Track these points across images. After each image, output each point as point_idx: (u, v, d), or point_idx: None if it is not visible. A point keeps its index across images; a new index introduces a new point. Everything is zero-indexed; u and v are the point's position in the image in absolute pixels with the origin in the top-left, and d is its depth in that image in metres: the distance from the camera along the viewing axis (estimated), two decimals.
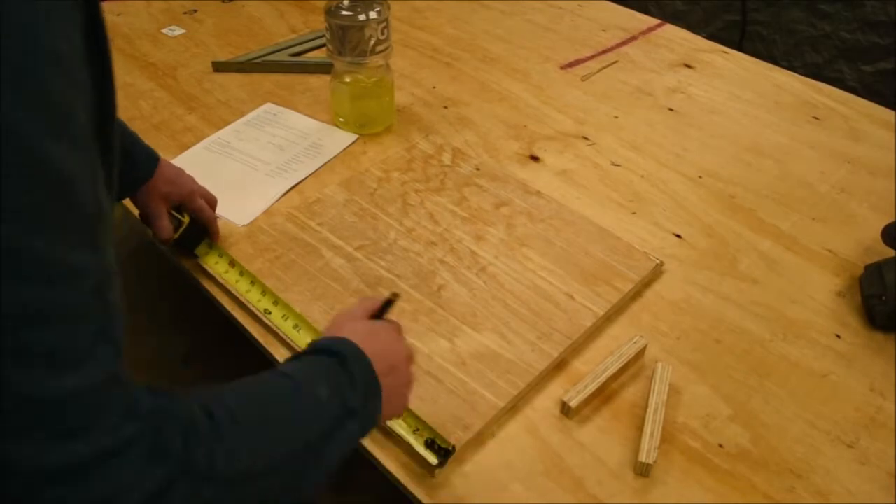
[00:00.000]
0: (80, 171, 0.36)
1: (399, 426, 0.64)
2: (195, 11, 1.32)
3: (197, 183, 0.82)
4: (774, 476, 0.63)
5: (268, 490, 0.44)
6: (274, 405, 0.47)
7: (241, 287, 0.78)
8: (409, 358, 0.58)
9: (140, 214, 0.80)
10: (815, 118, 1.08)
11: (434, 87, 1.13)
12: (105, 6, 0.42)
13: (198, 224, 0.81)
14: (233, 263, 0.80)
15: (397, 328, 0.59)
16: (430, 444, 0.63)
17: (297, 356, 0.53)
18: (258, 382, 0.48)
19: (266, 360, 0.73)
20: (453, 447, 0.63)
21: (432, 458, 0.62)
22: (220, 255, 0.81)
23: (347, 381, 0.50)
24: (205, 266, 0.80)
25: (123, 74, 1.14)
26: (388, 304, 0.60)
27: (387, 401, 0.53)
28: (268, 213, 0.89)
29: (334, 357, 0.51)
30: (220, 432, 0.41)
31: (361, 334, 0.54)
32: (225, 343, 0.86)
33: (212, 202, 0.83)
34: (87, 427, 0.34)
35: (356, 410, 0.50)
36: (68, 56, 0.36)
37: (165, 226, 0.78)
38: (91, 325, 0.36)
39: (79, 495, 0.34)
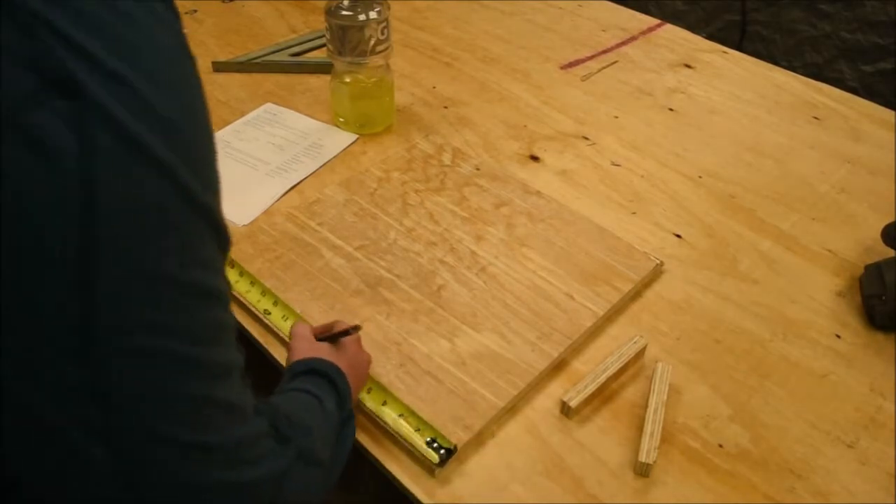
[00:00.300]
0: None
1: (401, 426, 0.65)
2: (195, 11, 1.32)
3: None
4: (774, 476, 0.63)
5: (321, 484, 0.52)
6: (315, 415, 0.54)
7: (240, 287, 0.78)
8: (369, 362, 0.69)
9: None
10: (815, 118, 1.08)
11: (434, 87, 1.13)
12: None
13: None
14: (232, 264, 0.80)
15: (356, 339, 0.67)
16: (432, 444, 0.63)
17: (295, 376, 0.59)
18: (295, 399, 0.56)
19: (266, 360, 0.73)
20: (455, 446, 0.63)
21: (434, 457, 0.62)
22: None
23: (340, 394, 0.59)
24: None
25: None
26: (345, 333, 0.66)
27: (353, 399, 0.63)
28: (268, 213, 0.89)
29: (325, 377, 0.59)
30: (304, 431, 0.49)
31: (330, 353, 0.63)
32: None
33: None
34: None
35: (352, 415, 0.60)
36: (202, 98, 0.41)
37: None
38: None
39: (232, 474, 0.41)
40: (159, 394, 0.37)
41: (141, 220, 0.35)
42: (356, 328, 0.66)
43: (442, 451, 0.63)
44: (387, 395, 0.67)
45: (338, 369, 0.60)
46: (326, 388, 0.58)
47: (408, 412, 0.66)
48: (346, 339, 0.66)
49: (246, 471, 0.41)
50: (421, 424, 0.65)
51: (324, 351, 0.63)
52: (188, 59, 0.41)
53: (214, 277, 0.40)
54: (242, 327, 0.75)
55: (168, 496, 0.38)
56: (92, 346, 0.34)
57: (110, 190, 0.33)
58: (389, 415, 0.66)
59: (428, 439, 0.64)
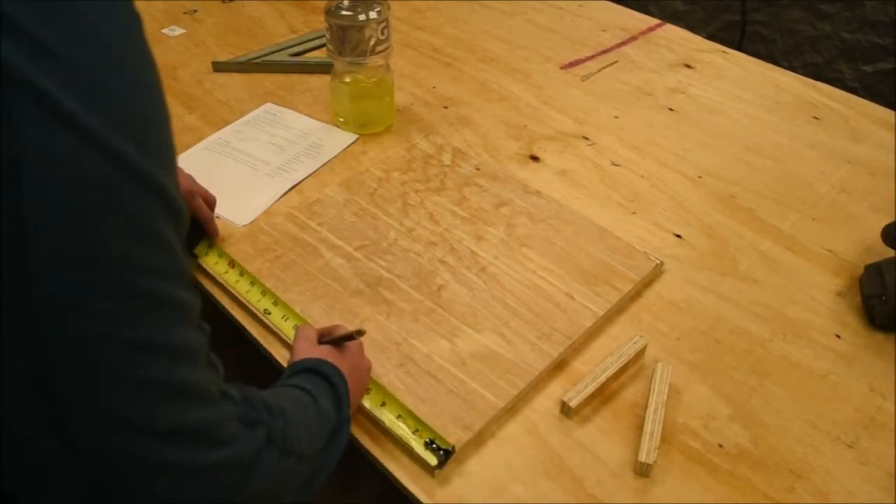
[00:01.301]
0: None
1: (398, 427, 0.65)
2: (195, 11, 1.32)
3: (196, 182, 0.82)
4: (774, 476, 0.63)
5: (302, 479, 0.50)
6: (304, 409, 0.54)
7: (240, 287, 0.78)
8: (369, 369, 0.68)
9: None
10: (815, 118, 1.08)
11: (434, 87, 1.13)
12: None
13: (196, 224, 0.81)
14: (232, 264, 0.80)
15: (358, 344, 0.67)
16: (430, 445, 0.63)
17: (293, 374, 0.59)
18: (284, 392, 0.55)
19: (266, 360, 0.73)
20: (453, 447, 0.63)
21: (432, 459, 0.62)
22: (220, 255, 0.81)
23: (338, 396, 0.58)
24: (204, 266, 0.80)
25: None
26: (348, 337, 0.66)
27: (352, 405, 0.62)
28: (268, 213, 0.89)
29: (323, 377, 0.59)
30: (282, 419, 0.48)
31: (332, 356, 0.63)
32: (224, 343, 0.86)
33: (210, 202, 0.83)
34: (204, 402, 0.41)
35: (348, 420, 0.59)
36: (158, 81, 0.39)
37: None
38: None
39: (192, 456, 0.39)
40: (109, 382, 0.35)
41: (77, 197, 0.33)
42: (360, 333, 0.66)
43: (441, 452, 0.63)
44: (385, 396, 0.67)
45: (338, 372, 0.60)
46: (323, 388, 0.58)
47: (406, 413, 0.65)
48: (349, 344, 0.66)
49: (206, 453, 0.40)
50: (419, 425, 0.65)
51: (325, 354, 0.63)
52: (132, 24, 0.38)
53: (166, 255, 0.38)
54: (242, 327, 0.75)
55: (128, 483, 0.37)
56: (34, 336, 0.33)
57: (40, 168, 0.32)
58: (388, 416, 0.65)
59: (427, 440, 0.64)
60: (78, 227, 0.33)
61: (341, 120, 1.03)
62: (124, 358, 0.36)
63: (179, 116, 1.05)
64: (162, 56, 1.19)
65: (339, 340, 0.66)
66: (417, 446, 0.63)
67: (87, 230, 0.34)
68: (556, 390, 0.70)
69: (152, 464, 0.38)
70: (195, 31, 1.26)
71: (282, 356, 0.72)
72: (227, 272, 0.79)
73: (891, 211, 0.91)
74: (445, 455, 0.62)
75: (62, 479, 0.36)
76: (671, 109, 1.09)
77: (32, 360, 0.34)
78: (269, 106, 1.08)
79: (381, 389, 0.67)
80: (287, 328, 0.73)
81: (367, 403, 0.66)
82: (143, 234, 0.36)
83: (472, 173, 0.94)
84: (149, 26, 1.32)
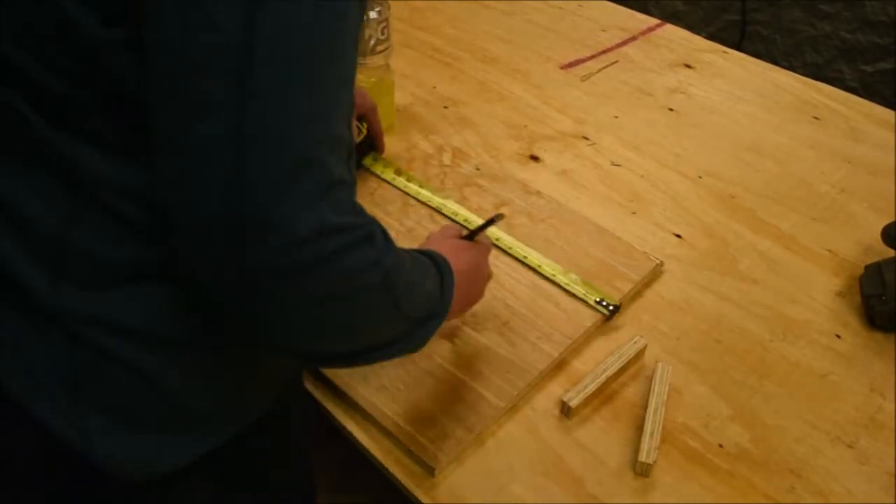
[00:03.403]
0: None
1: (573, 288, 0.76)
2: None
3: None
4: (774, 476, 0.63)
5: (397, 332, 0.50)
6: (421, 272, 0.53)
7: (411, 190, 0.90)
8: (488, 277, 0.69)
9: None
10: (815, 118, 1.08)
11: (434, 87, 1.13)
12: None
13: (370, 137, 0.93)
14: (399, 172, 0.92)
15: (485, 249, 0.67)
16: (600, 303, 0.75)
17: (416, 251, 0.58)
18: (410, 252, 0.54)
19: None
20: (619, 304, 0.75)
21: (604, 312, 0.74)
22: (385, 166, 0.94)
23: (444, 286, 0.56)
24: (374, 171, 0.93)
25: None
26: (488, 223, 0.68)
27: (455, 309, 0.59)
28: None
29: (437, 267, 0.56)
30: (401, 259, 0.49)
31: (452, 251, 0.61)
32: None
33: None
34: (346, 207, 0.43)
35: (445, 313, 0.56)
36: None
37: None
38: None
39: (331, 242, 0.41)
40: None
41: None
42: (500, 216, 0.70)
43: (610, 308, 0.74)
44: (556, 269, 0.79)
45: (451, 271, 0.58)
46: (434, 274, 0.56)
47: (577, 280, 0.78)
48: (478, 248, 0.66)
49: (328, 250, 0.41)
50: (588, 288, 0.77)
51: (450, 249, 0.62)
52: None
53: (354, 60, 0.44)
54: None
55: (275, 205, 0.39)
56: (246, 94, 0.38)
57: None
58: (562, 280, 0.77)
59: (596, 299, 0.75)
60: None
61: None
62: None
63: None
64: None
65: (478, 230, 0.69)
66: (589, 301, 0.76)
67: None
68: (556, 390, 0.70)
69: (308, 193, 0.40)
70: None
71: None
72: (394, 179, 0.92)
73: (891, 211, 0.91)
74: (612, 311, 0.75)
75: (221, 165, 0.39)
76: (671, 109, 1.09)
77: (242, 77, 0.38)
78: None
79: (552, 262, 0.80)
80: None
81: (547, 273, 0.78)
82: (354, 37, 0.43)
83: (472, 173, 0.94)
84: None
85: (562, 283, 0.77)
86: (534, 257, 0.80)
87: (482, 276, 0.67)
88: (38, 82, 0.45)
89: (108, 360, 0.48)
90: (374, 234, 0.45)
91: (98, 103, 0.44)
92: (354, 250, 0.42)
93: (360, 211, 0.44)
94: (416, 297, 0.51)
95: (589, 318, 0.75)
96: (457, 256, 0.61)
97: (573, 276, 0.78)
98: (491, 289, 0.78)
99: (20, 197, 0.48)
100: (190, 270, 0.42)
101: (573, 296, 0.76)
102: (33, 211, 0.48)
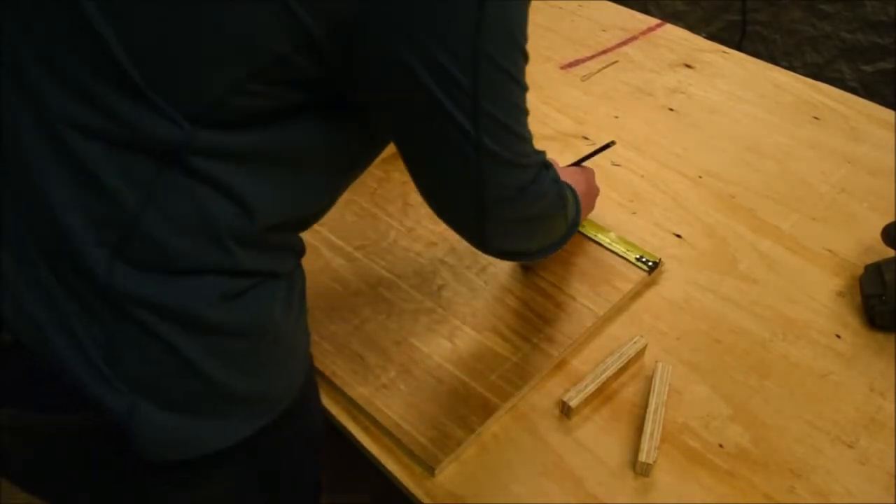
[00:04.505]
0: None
1: (616, 247, 0.82)
2: None
3: None
4: (774, 476, 0.63)
5: (563, 233, 0.69)
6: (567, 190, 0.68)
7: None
8: (597, 193, 0.85)
9: None
10: (815, 118, 1.08)
11: None
12: None
13: None
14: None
15: (592, 173, 0.83)
16: (640, 259, 0.80)
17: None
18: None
19: None
20: (659, 259, 0.80)
21: (644, 269, 0.79)
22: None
23: (577, 203, 0.71)
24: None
25: None
26: (600, 150, 0.85)
27: (580, 220, 0.75)
28: None
29: (569, 187, 0.70)
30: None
31: (575, 178, 0.76)
32: None
33: None
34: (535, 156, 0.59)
35: (577, 224, 0.72)
36: None
37: None
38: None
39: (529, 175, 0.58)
40: (507, 104, 0.52)
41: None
42: (611, 143, 0.86)
43: (650, 264, 0.79)
44: (598, 230, 0.84)
45: (573, 190, 0.71)
46: (570, 191, 0.69)
47: (617, 239, 0.83)
48: (591, 172, 0.82)
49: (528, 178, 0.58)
50: (628, 246, 0.82)
51: (570, 174, 0.77)
52: None
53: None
54: None
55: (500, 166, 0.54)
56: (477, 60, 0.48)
57: None
58: (604, 240, 0.83)
59: (637, 256, 0.80)
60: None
61: None
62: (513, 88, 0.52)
63: None
64: None
65: (592, 154, 0.85)
66: (630, 258, 0.80)
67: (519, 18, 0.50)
68: (556, 390, 0.70)
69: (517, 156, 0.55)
70: None
71: None
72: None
73: (891, 211, 0.91)
74: (652, 267, 0.79)
75: (461, 155, 0.52)
76: (671, 109, 1.09)
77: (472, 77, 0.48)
78: None
79: (593, 224, 0.85)
80: None
81: (587, 231, 0.84)
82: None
83: None
84: None
85: (604, 243, 0.83)
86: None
87: (594, 194, 0.83)
88: None
89: (150, 338, 0.49)
90: (547, 163, 0.61)
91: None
92: (543, 179, 0.59)
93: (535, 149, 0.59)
94: (569, 209, 0.67)
95: (589, 318, 0.75)
96: (576, 180, 0.75)
97: (613, 234, 0.85)
98: (491, 289, 0.78)
99: (102, 169, 0.47)
100: (434, 209, 0.62)
101: (615, 254, 0.82)
102: (113, 185, 0.47)
